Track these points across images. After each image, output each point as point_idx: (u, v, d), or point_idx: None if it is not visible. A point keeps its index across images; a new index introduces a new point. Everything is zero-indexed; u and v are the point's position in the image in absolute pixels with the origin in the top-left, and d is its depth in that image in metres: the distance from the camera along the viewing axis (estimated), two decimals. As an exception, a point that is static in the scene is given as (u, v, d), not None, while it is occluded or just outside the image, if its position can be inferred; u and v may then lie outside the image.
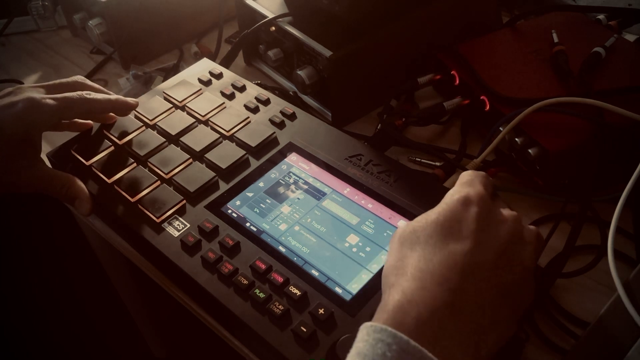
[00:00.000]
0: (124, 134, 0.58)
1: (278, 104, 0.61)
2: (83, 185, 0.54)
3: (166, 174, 0.54)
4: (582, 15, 0.70)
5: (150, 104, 0.61)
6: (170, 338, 1.00)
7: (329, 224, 0.49)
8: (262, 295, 0.44)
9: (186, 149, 0.56)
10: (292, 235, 0.49)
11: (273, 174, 0.54)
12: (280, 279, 0.45)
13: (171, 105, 0.61)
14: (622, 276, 0.39)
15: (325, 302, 0.43)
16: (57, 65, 0.83)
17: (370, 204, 0.50)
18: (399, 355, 0.31)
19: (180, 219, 0.51)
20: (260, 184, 0.53)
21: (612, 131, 0.54)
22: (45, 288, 0.82)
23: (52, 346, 0.82)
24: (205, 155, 0.55)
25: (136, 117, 0.60)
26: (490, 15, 0.76)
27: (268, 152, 0.56)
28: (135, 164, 0.55)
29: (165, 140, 0.57)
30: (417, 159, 0.63)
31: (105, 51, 0.82)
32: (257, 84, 0.66)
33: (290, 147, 0.56)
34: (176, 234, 0.49)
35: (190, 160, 0.55)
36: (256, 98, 0.61)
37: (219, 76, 0.65)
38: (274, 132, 0.57)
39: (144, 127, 0.59)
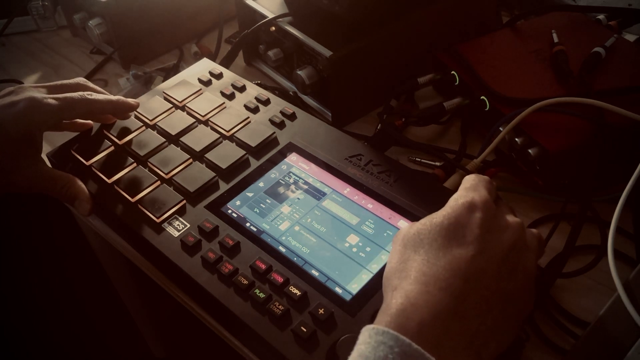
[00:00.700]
0: (124, 134, 0.58)
1: (278, 104, 0.61)
2: (83, 185, 0.54)
3: (166, 174, 0.54)
4: (582, 15, 0.70)
5: (150, 104, 0.61)
6: (170, 338, 1.00)
7: (329, 224, 0.49)
8: (262, 295, 0.44)
9: (186, 149, 0.56)
10: (292, 236, 0.49)
11: (273, 174, 0.54)
12: (280, 279, 0.45)
13: (171, 105, 0.61)
14: (622, 276, 0.39)
15: (325, 302, 0.43)
16: (57, 65, 0.83)
17: (370, 204, 0.50)
18: (401, 358, 0.31)
19: (180, 219, 0.51)
20: (260, 184, 0.53)
21: (612, 131, 0.54)
22: (45, 288, 0.82)
23: (52, 346, 0.82)
24: (205, 155, 0.55)
25: (136, 117, 0.60)
26: (490, 15, 0.76)
27: (268, 152, 0.56)
28: (135, 164, 0.55)
29: (165, 140, 0.57)
30: (417, 159, 0.63)
31: (105, 51, 0.82)
32: (257, 84, 0.66)
33: (290, 147, 0.56)
34: (176, 234, 0.49)
35: (190, 160, 0.55)
36: (256, 98, 0.61)
37: (219, 76, 0.65)
38: (274, 132, 0.57)
39: (144, 127, 0.59)
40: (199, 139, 0.57)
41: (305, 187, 0.52)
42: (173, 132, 0.58)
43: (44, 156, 0.55)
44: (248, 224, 0.50)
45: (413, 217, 0.49)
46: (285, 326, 0.42)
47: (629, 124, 0.54)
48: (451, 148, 0.62)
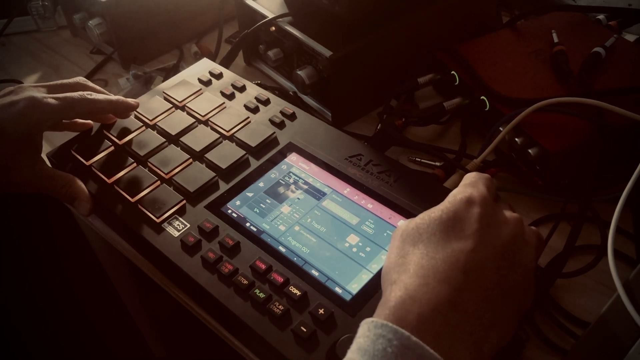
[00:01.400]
0: (124, 134, 0.58)
1: (278, 104, 0.61)
2: (83, 185, 0.54)
3: (166, 174, 0.54)
4: (582, 15, 0.70)
5: (150, 104, 0.61)
6: (170, 338, 1.00)
7: (329, 224, 0.49)
8: (262, 295, 0.44)
9: (186, 149, 0.56)
10: (292, 235, 0.49)
11: (273, 174, 0.54)
12: (280, 279, 0.45)
13: (171, 105, 0.61)
14: (622, 276, 0.39)
15: (325, 302, 0.43)
16: (57, 65, 0.83)
17: (370, 204, 0.50)
18: (400, 350, 0.31)
19: (180, 219, 0.51)
20: (260, 184, 0.53)
21: (612, 131, 0.54)
22: (45, 288, 0.82)
23: (52, 346, 0.82)
24: (205, 155, 0.55)
25: (136, 117, 0.60)
26: (490, 15, 0.76)
27: (268, 152, 0.56)
28: (135, 164, 0.55)
29: (165, 140, 0.57)
30: (417, 159, 0.63)
31: (105, 51, 0.82)
32: (257, 84, 0.66)
33: (290, 147, 0.56)
34: (176, 234, 0.49)
35: (190, 160, 0.55)
36: (256, 98, 0.61)
37: (219, 76, 0.65)
38: (274, 132, 0.57)
39: (144, 127, 0.59)
40: (199, 139, 0.57)
41: (305, 187, 0.52)
42: (173, 132, 0.58)
43: (44, 156, 0.55)
44: (248, 224, 0.50)
45: (413, 217, 0.48)
46: (285, 326, 0.42)
47: (629, 124, 0.54)
48: (451, 148, 0.62)
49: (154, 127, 0.59)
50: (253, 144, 0.56)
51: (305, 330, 0.41)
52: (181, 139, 0.57)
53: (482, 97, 0.61)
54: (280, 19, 0.68)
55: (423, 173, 0.60)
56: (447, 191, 0.51)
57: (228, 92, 0.62)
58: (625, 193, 0.44)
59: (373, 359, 0.31)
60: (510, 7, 0.81)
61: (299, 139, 0.57)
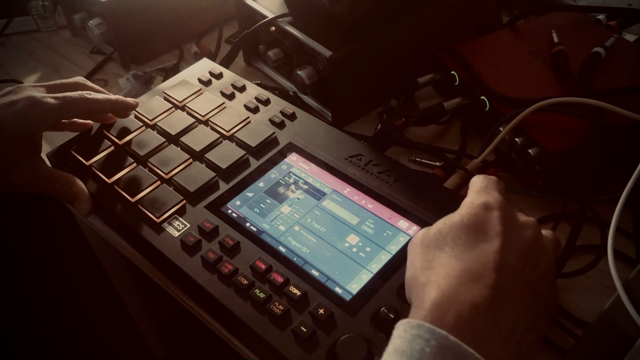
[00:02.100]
0: (124, 134, 0.58)
1: (278, 104, 0.61)
2: (83, 185, 0.54)
3: (166, 174, 0.54)
4: (582, 15, 0.70)
5: (150, 104, 0.61)
6: (170, 338, 1.00)
7: (329, 224, 0.49)
8: (262, 295, 0.44)
9: (186, 149, 0.56)
10: (292, 235, 0.49)
11: (273, 174, 0.54)
12: (280, 279, 0.45)
13: (171, 105, 0.61)
14: (622, 276, 0.39)
15: (325, 302, 0.43)
16: (57, 65, 0.83)
17: (370, 204, 0.50)
18: (438, 350, 0.31)
19: (180, 219, 0.51)
20: (260, 184, 0.53)
21: (612, 131, 0.54)
22: (45, 288, 0.82)
23: (52, 346, 0.82)
24: (205, 155, 0.55)
25: (136, 117, 0.60)
26: (490, 15, 0.76)
27: (268, 152, 0.56)
28: (135, 164, 0.55)
29: (165, 140, 0.57)
30: (417, 159, 0.63)
31: (105, 51, 0.82)
32: (257, 84, 0.66)
33: (290, 147, 0.56)
34: (176, 234, 0.49)
35: (190, 160, 0.55)
36: (256, 98, 0.61)
37: (219, 76, 0.65)
38: (274, 132, 0.57)
39: (144, 127, 0.59)
40: (199, 139, 0.57)
41: (305, 187, 0.52)
42: (173, 132, 0.58)
43: (43, 156, 0.55)
44: (248, 224, 0.50)
45: (413, 217, 0.49)
46: (285, 326, 0.42)
47: (629, 124, 0.54)
48: (451, 148, 0.62)
49: (154, 127, 0.59)
50: (253, 144, 0.56)
51: (305, 330, 0.41)
52: (181, 139, 0.57)
53: (482, 97, 0.61)
54: (280, 19, 0.68)
55: (423, 173, 0.60)
56: (447, 191, 0.52)
57: (228, 92, 0.62)
58: (625, 193, 0.44)
59: (410, 359, 0.31)
60: (510, 7, 0.81)
61: (299, 139, 0.57)
